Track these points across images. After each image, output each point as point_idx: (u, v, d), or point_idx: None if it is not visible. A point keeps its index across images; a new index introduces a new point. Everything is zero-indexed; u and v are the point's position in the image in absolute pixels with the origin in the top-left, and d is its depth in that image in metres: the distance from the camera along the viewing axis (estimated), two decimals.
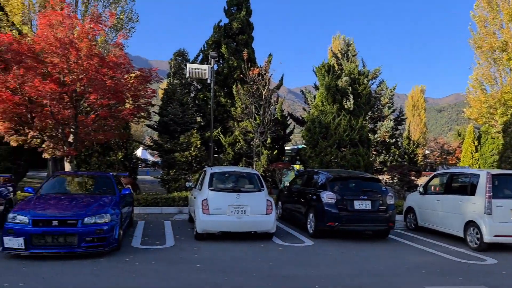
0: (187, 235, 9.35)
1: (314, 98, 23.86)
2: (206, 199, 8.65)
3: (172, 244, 8.37)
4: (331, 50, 31.44)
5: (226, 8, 20.74)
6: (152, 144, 16.17)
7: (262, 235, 9.08)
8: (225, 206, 8.58)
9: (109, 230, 7.13)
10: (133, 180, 15.54)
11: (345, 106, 17.98)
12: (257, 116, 16.03)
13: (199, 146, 16.69)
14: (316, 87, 25.94)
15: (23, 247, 6.68)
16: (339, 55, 26.72)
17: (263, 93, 15.76)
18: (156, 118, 17.41)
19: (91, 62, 11.12)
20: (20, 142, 12.48)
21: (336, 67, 21.37)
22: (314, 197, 9.62)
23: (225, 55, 19.34)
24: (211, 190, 8.87)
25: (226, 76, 19.48)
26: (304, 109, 27.16)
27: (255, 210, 8.72)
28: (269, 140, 16.74)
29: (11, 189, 10.45)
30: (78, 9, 16.51)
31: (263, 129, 15.81)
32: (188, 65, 14.27)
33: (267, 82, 15.96)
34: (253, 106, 15.81)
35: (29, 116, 11.66)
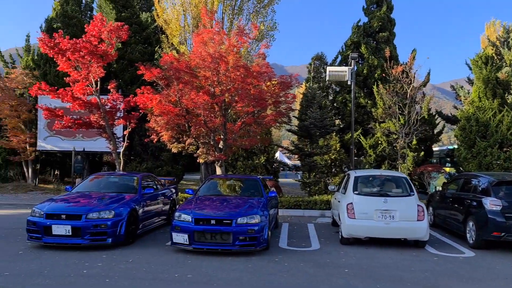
0: (332, 239, 9.31)
1: (468, 93, 21.56)
2: (351, 203, 8.50)
3: (317, 247, 8.43)
4: (487, 39, 28.04)
5: (365, 6, 20.18)
6: (293, 148, 16.57)
7: (413, 242, 8.53)
8: (372, 210, 8.30)
9: (259, 230, 7.52)
10: (276, 183, 16.15)
11: (508, 101, 15.80)
12: (400, 116, 15.17)
13: (338, 149, 16.51)
14: (470, 81, 23.41)
15: (188, 243, 7.49)
16: (497, 43, 23.67)
17: (408, 91, 14.83)
18: (294, 122, 17.83)
19: (238, 73, 11.93)
20: (179, 148, 14.05)
21: (495, 57, 18.97)
22: (474, 203, 8.66)
23: (365, 55, 18.81)
24: (356, 194, 8.68)
25: (366, 77, 18.92)
26: (454, 106, 24.74)
27: (405, 215, 8.23)
28: (414, 141, 15.65)
29: (174, 190, 11.82)
30: (225, 25, 17.89)
31: (408, 129, 14.88)
32: (328, 68, 14.27)
33: (412, 79, 14.98)
34: (396, 105, 14.99)
35: (186, 125, 13.06)
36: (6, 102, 18.75)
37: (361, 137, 18.01)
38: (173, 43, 18.74)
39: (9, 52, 23.28)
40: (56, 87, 14.01)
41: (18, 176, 19.97)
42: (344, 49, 19.89)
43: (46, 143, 19.17)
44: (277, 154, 41.85)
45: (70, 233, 7.59)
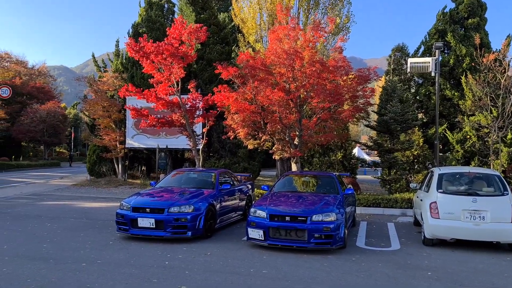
0: (414, 239, 8.82)
1: None
2: (435, 202, 7.97)
3: (397, 248, 8.04)
4: None
5: None
6: (371, 143, 15.99)
7: (507, 247, 7.79)
8: (458, 210, 7.71)
9: (335, 228, 7.36)
10: (354, 180, 15.71)
11: None
12: (493, 109, 13.88)
13: (421, 144, 15.62)
14: None
15: (263, 239, 7.56)
16: None
17: (501, 81, 13.53)
18: (373, 117, 17.17)
19: (313, 69, 11.77)
20: (255, 145, 14.27)
21: None
22: None
23: (451, 44, 17.53)
24: (441, 192, 8.13)
25: (453, 67, 17.64)
26: None
27: (497, 217, 7.53)
28: (510, 135, 14.26)
29: (250, 186, 12.02)
30: (300, 20, 17.75)
31: (502, 123, 13.58)
32: (409, 60, 13.51)
33: (506, 67, 13.64)
34: (488, 97, 13.75)
35: (262, 122, 13.19)
36: (99, 104, 20.43)
37: (447, 132, 16.87)
38: (249, 41, 19.03)
39: (102, 57, 25.32)
40: (141, 89, 14.96)
41: (110, 172, 21.68)
42: (427, 39, 18.72)
43: (134, 141, 20.57)
44: (355, 150, 40.85)
45: (154, 226, 8.06)
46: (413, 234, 9.41)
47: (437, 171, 8.81)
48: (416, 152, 15.22)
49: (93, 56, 24.47)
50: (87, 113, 23.69)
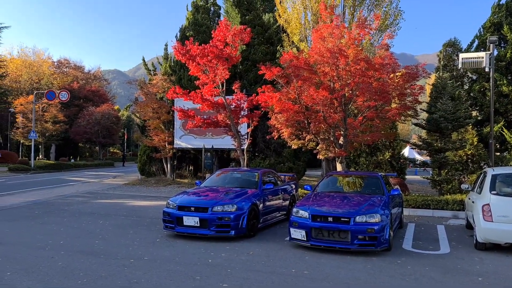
0: (465, 243, 8.43)
1: None
2: (488, 204, 7.57)
3: (447, 251, 7.71)
4: None
5: None
6: (420, 143, 15.42)
7: None
8: None
9: (380, 230, 7.18)
10: (402, 181, 15.23)
11: None
12: None
13: (475, 143, 14.90)
14: None
15: (305, 239, 7.53)
16: None
17: None
18: (423, 115, 16.56)
19: (358, 67, 11.55)
20: (299, 145, 14.20)
21: None
22: None
23: (508, 37, 16.53)
24: (494, 194, 7.70)
25: (510, 61, 16.63)
26: None
27: None
28: None
29: (294, 186, 11.99)
30: (346, 18, 17.45)
31: None
32: (461, 55, 12.90)
33: None
34: None
35: (306, 122, 13.12)
36: (149, 106, 21.19)
37: (504, 130, 15.95)
38: (294, 41, 18.98)
39: (152, 61, 26.26)
40: (188, 90, 15.37)
41: (159, 171, 22.43)
42: (482, 32, 17.79)
43: (181, 141, 21.15)
44: (406, 150, 39.49)
45: (198, 224, 8.26)
46: (465, 238, 8.99)
47: (490, 171, 8.36)
48: (470, 152, 14.53)
49: (143, 60, 25.44)
50: (138, 115, 24.66)
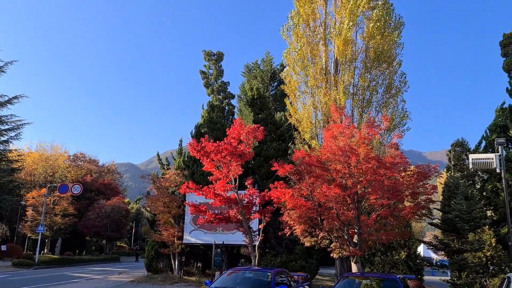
0: None
1: None
2: None
3: None
4: None
5: (510, 88, 18.69)
6: (437, 243, 15.00)
7: None
8: None
9: None
10: (420, 284, 14.52)
11: None
12: None
13: (494, 245, 14.41)
14: None
15: None
16: None
17: None
18: (436, 213, 16.34)
19: (369, 165, 11.77)
20: (312, 242, 13.90)
21: None
22: None
23: None
24: None
25: None
26: None
27: None
28: None
29: (307, 287, 11.50)
30: (355, 119, 18.21)
31: None
32: (470, 156, 13.15)
33: None
34: None
35: (319, 218, 13.02)
36: (161, 200, 21.29)
37: None
38: (305, 138, 19.61)
39: (165, 155, 27.05)
40: (201, 185, 15.56)
41: (166, 268, 21.73)
42: (488, 134, 18.29)
43: (191, 237, 20.81)
44: (420, 248, 38.08)
45: None
46: None
47: None
48: (489, 254, 14.02)
49: (158, 154, 26.20)
50: (148, 209, 24.68)
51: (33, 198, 37.81)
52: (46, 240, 39.19)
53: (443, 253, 18.20)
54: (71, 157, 55.85)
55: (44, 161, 48.89)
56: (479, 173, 18.71)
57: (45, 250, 38.67)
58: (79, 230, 44.62)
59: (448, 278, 15.11)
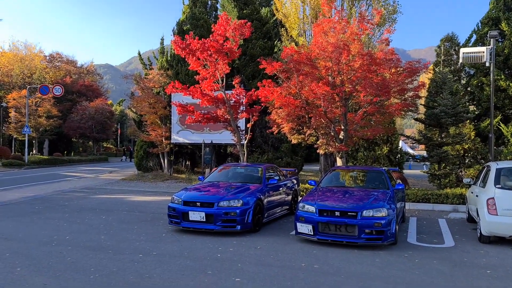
0: (468, 236, 8.53)
1: None
2: (492, 198, 7.66)
3: (452, 245, 7.80)
4: None
5: None
6: (420, 137, 15.52)
7: None
8: None
9: (386, 224, 7.23)
10: (402, 175, 15.34)
11: None
12: None
13: (473, 138, 15.00)
14: None
15: (312, 233, 7.57)
16: None
17: None
18: (421, 110, 16.65)
19: (360, 62, 11.56)
20: (299, 140, 14.22)
21: None
22: None
23: (506, 32, 16.65)
24: (499, 188, 7.79)
25: (507, 57, 16.76)
26: None
27: None
28: None
29: (295, 181, 12.01)
30: (345, 13, 17.46)
31: None
32: (462, 50, 12.95)
33: None
34: None
35: (307, 116, 13.13)
36: (146, 100, 21.03)
37: (501, 125, 16.10)
38: (292, 35, 18.95)
39: (147, 55, 26.02)
40: (187, 85, 15.27)
41: (156, 166, 22.34)
42: (479, 27, 17.89)
43: (179, 137, 21.06)
44: (400, 144, 39.66)
45: (204, 219, 8.25)
46: (467, 231, 9.10)
47: (494, 165, 8.45)
48: (467, 146, 14.62)
49: (139, 54, 25.18)
50: (134, 110, 24.48)
51: (13, 99, 37.07)
52: (33, 142, 39.36)
53: (422, 147, 18.94)
54: (48, 58, 53.62)
55: (20, 62, 46.91)
56: (466, 68, 18.72)
57: (34, 151, 39.03)
58: (64, 132, 44.68)
59: (426, 169, 15.94)
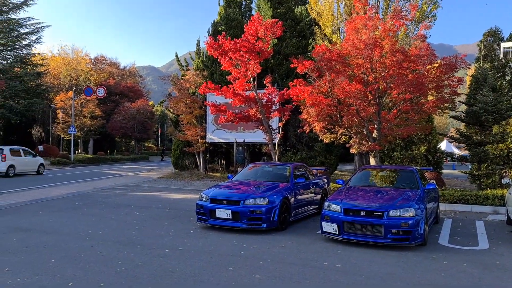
0: (505, 239, 8.14)
1: None
2: None
3: (486, 247, 7.47)
4: None
5: None
6: (458, 136, 14.95)
7: None
8: None
9: (414, 224, 7.04)
10: (438, 175, 14.84)
11: None
12: None
13: None
14: None
15: (337, 233, 7.49)
16: None
17: None
18: (462, 108, 16.02)
19: (393, 59, 11.30)
20: (331, 139, 14.08)
21: None
22: None
23: None
24: None
25: None
26: None
27: None
28: None
29: (325, 180, 11.90)
30: (380, 9, 17.09)
31: None
32: (502, 45, 12.36)
33: None
34: None
35: (338, 115, 12.98)
36: (182, 101, 21.54)
37: None
38: (326, 33, 18.77)
39: (185, 56, 26.63)
40: (220, 85, 15.51)
41: (192, 165, 22.81)
42: None
43: (214, 136, 21.40)
44: (443, 144, 38.26)
45: (230, 217, 8.36)
46: (505, 234, 8.69)
47: None
48: (511, 145, 13.95)
49: (176, 55, 25.82)
50: (171, 110, 25.10)
51: (61, 101, 39.09)
52: (79, 141, 41.28)
53: (465, 147, 18.24)
54: (93, 61, 55.99)
55: (67, 65, 49.36)
56: (511, 64, 17.81)
57: (79, 150, 40.96)
58: (107, 131, 46.46)
59: (468, 170, 15.34)
